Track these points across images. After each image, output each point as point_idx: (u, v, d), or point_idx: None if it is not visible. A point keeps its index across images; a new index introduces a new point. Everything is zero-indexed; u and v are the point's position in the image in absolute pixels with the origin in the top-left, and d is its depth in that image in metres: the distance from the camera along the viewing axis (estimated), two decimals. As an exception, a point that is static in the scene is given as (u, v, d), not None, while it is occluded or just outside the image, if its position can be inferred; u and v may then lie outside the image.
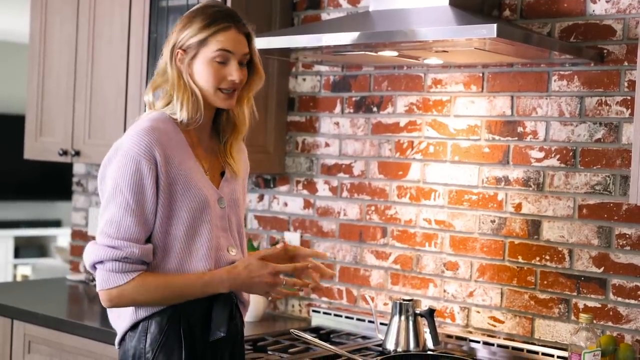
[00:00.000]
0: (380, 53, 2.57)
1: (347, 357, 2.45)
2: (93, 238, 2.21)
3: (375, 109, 3.01)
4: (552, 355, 2.55)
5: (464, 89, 2.79)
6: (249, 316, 3.02)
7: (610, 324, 2.50)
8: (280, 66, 3.18)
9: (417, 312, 2.64)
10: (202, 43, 2.01)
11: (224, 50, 2.00)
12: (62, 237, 8.05)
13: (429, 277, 2.86)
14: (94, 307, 3.06)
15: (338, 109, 3.10)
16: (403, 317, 2.64)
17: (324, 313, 3.04)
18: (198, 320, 2.02)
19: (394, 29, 2.41)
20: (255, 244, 3.20)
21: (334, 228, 3.10)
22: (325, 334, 2.89)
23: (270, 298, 2.12)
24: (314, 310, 3.08)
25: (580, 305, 2.55)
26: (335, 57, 2.84)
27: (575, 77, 2.58)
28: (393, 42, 2.39)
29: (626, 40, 2.49)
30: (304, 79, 3.20)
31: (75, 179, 3.99)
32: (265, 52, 2.73)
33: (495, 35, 2.14)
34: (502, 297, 2.71)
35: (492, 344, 2.65)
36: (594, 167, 2.54)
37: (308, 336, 2.45)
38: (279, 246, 2.19)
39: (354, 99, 3.06)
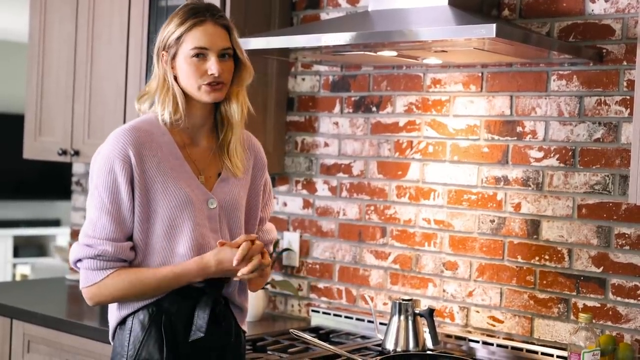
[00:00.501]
0: (379, 53, 2.57)
1: (347, 357, 2.45)
2: None
3: (374, 108, 3.01)
4: (552, 355, 2.55)
5: (463, 88, 2.79)
6: (248, 316, 3.01)
7: (609, 323, 2.50)
8: (279, 66, 3.18)
9: (417, 311, 2.64)
10: (179, 40, 2.02)
11: (199, 47, 2.00)
12: (62, 237, 8.04)
13: (428, 277, 2.87)
14: (93, 307, 3.05)
15: (337, 108, 3.10)
16: (402, 317, 2.64)
17: (324, 313, 3.04)
18: (181, 320, 2.02)
19: (393, 29, 2.40)
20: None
21: (333, 228, 3.10)
22: (324, 334, 2.89)
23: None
24: (313, 310, 3.08)
25: (580, 304, 2.55)
26: (334, 57, 2.84)
27: (574, 76, 2.58)
28: (392, 42, 2.39)
29: (625, 39, 2.49)
30: (303, 79, 3.20)
31: (74, 179, 3.99)
32: (264, 52, 2.73)
33: (494, 35, 2.14)
34: (501, 296, 2.71)
35: (492, 344, 2.66)
36: (593, 167, 2.54)
37: (307, 336, 2.45)
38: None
39: (353, 98, 3.06)
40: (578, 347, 2.30)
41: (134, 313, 2.03)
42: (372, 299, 2.96)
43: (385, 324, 2.71)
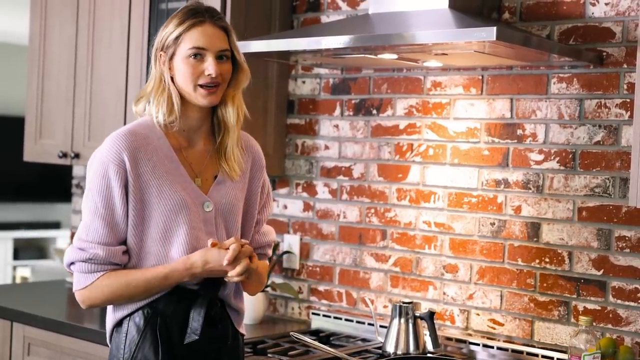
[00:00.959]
0: (379, 56, 2.58)
1: (347, 360, 2.45)
2: None
3: (374, 111, 3.01)
4: (552, 358, 2.55)
5: (464, 91, 2.80)
6: (248, 318, 3.02)
7: (609, 326, 2.50)
8: (279, 69, 3.18)
9: (417, 314, 2.64)
10: (177, 40, 2.02)
11: (197, 47, 2.00)
12: (62, 239, 8.04)
13: (428, 280, 2.87)
14: (93, 309, 3.05)
15: (338, 111, 3.11)
16: (403, 320, 2.64)
17: (324, 316, 3.04)
18: (176, 322, 2.02)
19: (393, 32, 2.41)
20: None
21: (333, 231, 3.10)
22: (325, 337, 2.89)
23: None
24: (313, 313, 3.08)
25: (580, 307, 2.55)
26: (334, 60, 2.84)
27: (575, 79, 2.58)
28: (392, 44, 2.39)
29: (625, 42, 2.49)
30: (304, 82, 3.20)
31: (74, 181, 3.99)
32: (264, 54, 2.74)
33: (494, 38, 2.15)
34: (501, 299, 2.71)
35: (492, 347, 2.65)
36: (594, 170, 2.54)
37: (308, 339, 2.45)
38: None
39: (353, 101, 3.07)
40: (578, 350, 2.30)
41: (129, 315, 2.03)
42: (372, 301, 2.96)
43: (385, 327, 2.71)
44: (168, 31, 2.03)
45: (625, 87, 2.49)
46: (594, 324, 2.49)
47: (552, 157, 2.61)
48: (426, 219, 2.87)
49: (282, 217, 3.24)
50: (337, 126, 3.11)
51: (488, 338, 2.72)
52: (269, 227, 2.27)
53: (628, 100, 2.48)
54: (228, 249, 1.99)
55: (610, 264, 2.50)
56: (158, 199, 2.01)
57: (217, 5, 2.90)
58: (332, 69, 3.09)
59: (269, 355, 2.61)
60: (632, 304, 2.46)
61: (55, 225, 8.32)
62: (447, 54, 2.49)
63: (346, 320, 2.98)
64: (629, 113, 2.47)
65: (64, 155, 3.43)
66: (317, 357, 2.58)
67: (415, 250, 2.89)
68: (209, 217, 2.07)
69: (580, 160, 2.57)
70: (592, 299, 2.53)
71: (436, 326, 2.64)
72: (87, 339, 2.86)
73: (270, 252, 2.28)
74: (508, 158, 2.70)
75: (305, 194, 3.18)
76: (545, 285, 2.62)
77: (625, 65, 2.49)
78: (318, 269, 3.14)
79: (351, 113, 3.07)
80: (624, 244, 2.48)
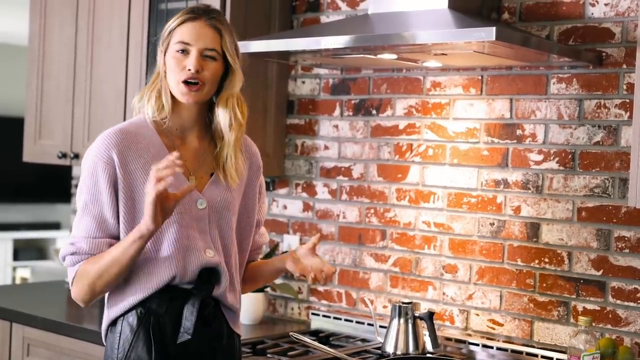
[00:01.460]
0: (379, 56, 2.58)
1: (346, 360, 2.45)
2: None
3: (374, 111, 3.01)
4: (551, 358, 2.55)
5: (463, 91, 2.80)
6: (248, 319, 3.02)
7: (609, 326, 2.50)
8: (279, 69, 3.18)
9: (417, 314, 2.64)
10: (169, 35, 2.03)
11: (182, 42, 2.00)
12: (61, 240, 8.03)
13: (428, 280, 2.87)
14: (93, 310, 3.05)
15: (337, 111, 3.11)
16: (402, 320, 2.63)
17: (324, 316, 3.04)
18: (169, 322, 2.02)
19: (393, 32, 2.41)
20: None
21: (333, 231, 3.10)
22: (324, 337, 2.89)
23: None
24: (313, 313, 3.08)
25: (580, 308, 2.55)
26: (334, 60, 2.84)
27: (574, 80, 2.58)
28: (392, 45, 2.39)
29: (625, 43, 2.49)
30: (303, 82, 3.20)
31: (74, 182, 3.99)
32: (264, 55, 2.74)
33: (494, 38, 2.15)
34: (501, 299, 2.71)
35: (491, 347, 2.65)
36: (593, 170, 2.54)
37: (307, 339, 2.45)
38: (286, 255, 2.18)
39: (353, 101, 3.07)
40: (578, 350, 2.30)
41: (123, 315, 2.04)
42: (372, 302, 2.96)
43: (385, 327, 2.71)
44: (165, 26, 2.06)
45: (624, 87, 2.49)
46: (594, 324, 2.49)
47: (552, 158, 2.61)
48: (426, 219, 2.87)
49: (281, 218, 3.24)
50: (336, 126, 3.11)
51: (487, 338, 2.72)
52: (262, 227, 2.29)
53: (627, 100, 2.48)
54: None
55: (610, 264, 2.50)
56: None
57: (217, 5, 2.91)
58: (331, 69, 3.09)
59: (269, 355, 2.61)
60: (631, 304, 2.46)
61: (55, 226, 8.31)
62: (446, 54, 2.49)
63: (346, 320, 2.98)
64: (628, 113, 2.48)
65: (64, 155, 3.43)
66: (317, 358, 2.58)
67: (414, 251, 2.89)
68: (202, 214, 2.06)
69: (579, 161, 2.57)
70: (592, 299, 2.53)
71: (436, 326, 2.64)
72: (86, 339, 2.85)
73: (264, 250, 2.30)
74: (507, 158, 2.70)
75: (304, 194, 3.18)
76: (544, 285, 2.62)
77: (624, 66, 2.49)
78: (317, 269, 3.14)
79: (351, 113, 3.07)
80: (624, 245, 2.48)
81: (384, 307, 2.95)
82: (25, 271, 7.64)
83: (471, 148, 2.77)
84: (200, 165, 2.10)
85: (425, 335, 2.64)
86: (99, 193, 2.01)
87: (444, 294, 2.83)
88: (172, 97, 2.05)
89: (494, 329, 2.72)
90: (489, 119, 2.74)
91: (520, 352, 2.61)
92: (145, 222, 1.91)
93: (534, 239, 2.64)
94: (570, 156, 2.58)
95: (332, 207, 3.11)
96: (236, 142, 2.08)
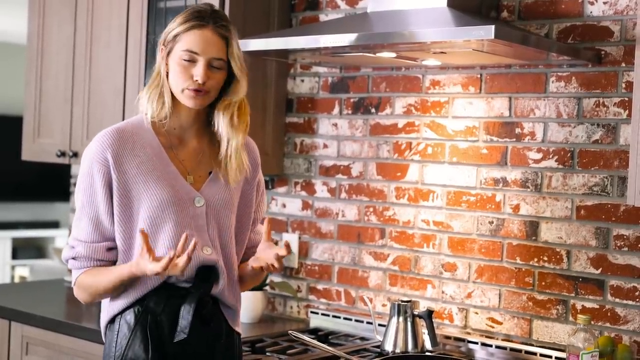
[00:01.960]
0: (378, 54, 2.58)
1: (346, 359, 2.45)
2: None
3: (373, 110, 3.01)
4: (550, 357, 2.55)
5: (462, 90, 2.80)
6: (247, 317, 3.02)
7: (608, 324, 2.50)
8: (278, 67, 3.18)
9: (416, 313, 2.64)
10: (175, 39, 2.02)
11: (189, 51, 1.99)
12: (60, 239, 8.04)
13: (427, 278, 2.87)
14: (92, 308, 3.05)
15: (336, 110, 3.11)
16: (401, 318, 2.64)
17: (323, 314, 3.04)
18: (167, 320, 2.03)
19: (392, 30, 2.41)
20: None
21: (332, 229, 3.10)
22: (323, 335, 2.89)
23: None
24: (312, 312, 3.08)
25: (578, 306, 2.56)
26: (333, 59, 2.84)
27: (573, 78, 2.58)
28: (391, 43, 2.39)
29: (624, 41, 2.49)
30: (302, 80, 3.20)
31: (73, 180, 3.99)
32: (263, 53, 2.74)
33: (493, 37, 2.15)
34: (500, 298, 2.71)
35: (490, 345, 2.66)
36: (592, 168, 2.54)
37: (306, 337, 2.46)
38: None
39: (352, 100, 3.07)
40: (577, 349, 2.30)
41: (121, 313, 2.05)
42: (371, 300, 2.96)
43: (384, 326, 2.71)
44: (171, 27, 2.04)
45: (623, 85, 2.49)
46: (592, 322, 2.49)
47: (551, 156, 2.61)
48: (425, 217, 2.87)
49: (280, 216, 3.24)
50: (335, 125, 3.11)
51: (486, 337, 2.72)
52: (261, 226, 2.27)
53: (626, 99, 2.48)
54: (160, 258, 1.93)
55: (609, 262, 2.50)
56: (144, 196, 2.02)
57: (216, 4, 2.90)
58: (330, 67, 3.09)
59: (268, 354, 2.61)
60: (630, 302, 2.47)
61: (54, 225, 8.31)
62: (445, 53, 2.49)
63: (345, 318, 2.98)
64: (627, 112, 2.48)
65: (62, 154, 3.43)
66: (316, 356, 2.58)
67: (413, 249, 2.90)
68: (200, 213, 2.06)
69: (578, 159, 2.57)
70: (591, 297, 2.53)
71: (435, 325, 2.64)
72: (85, 338, 2.85)
73: None
74: (506, 157, 2.70)
75: (304, 193, 3.18)
76: (543, 283, 2.62)
77: (623, 64, 2.49)
78: (317, 267, 3.14)
79: (350, 112, 3.07)
80: (622, 243, 2.48)
81: (383, 305, 2.95)
82: (24, 270, 7.63)
83: (470, 146, 2.77)
84: (198, 164, 2.10)
85: (424, 333, 2.64)
86: (95, 194, 2.02)
87: (443, 292, 2.83)
88: (172, 97, 2.05)
89: (493, 327, 2.72)
90: (488, 118, 2.74)
91: (519, 351, 2.61)
92: (143, 272, 1.95)
93: (533, 238, 2.64)
94: (569, 154, 2.58)
95: (331, 206, 3.11)
96: (238, 146, 2.09)
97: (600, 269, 2.52)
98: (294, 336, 2.45)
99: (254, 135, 2.28)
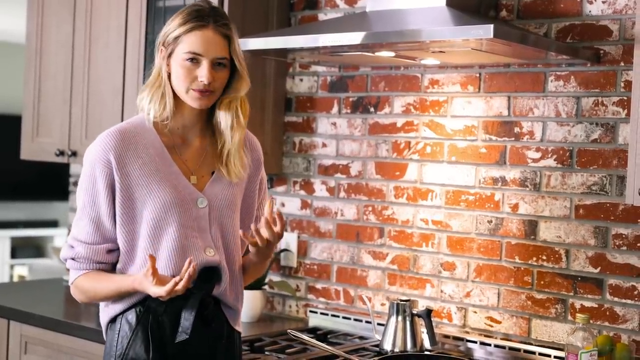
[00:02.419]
0: (377, 53, 2.58)
1: (345, 358, 2.45)
2: None
3: (372, 109, 3.01)
4: (549, 356, 2.55)
5: (461, 89, 2.80)
6: (246, 316, 3.02)
7: (606, 324, 2.50)
8: (277, 66, 3.18)
9: (414, 312, 2.64)
10: (177, 40, 2.01)
11: (193, 52, 1.99)
12: (59, 238, 8.03)
13: (426, 278, 2.87)
14: (91, 308, 3.05)
15: (335, 109, 3.11)
16: (400, 318, 2.64)
17: (321, 313, 3.05)
18: (168, 321, 2.02)
19: (391, 30, 2.41)
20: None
21: (331, 228, 3.10)
22: (322, 335, 2.89)
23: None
24: (311, 311, 3.08)
25: (577, 305, 2.56)
26: (332, 58, 2.84)
27: (572, 77, 2.58)
28: (390, 42, 2.39)
29: (622, 40, 2.49)
30: (301, 80, 3.20)
31: (72, 180, 3.99)
32: (262, 52, 2.73)
33: (491, 36, 2.15)
34: (499, 297, 2.71)
35: (489, 344, 2.66)
36: (591, 168, 2.54)
37: (305, 337, 2.45)
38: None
39: (351, 99, 3.07)
40: (575, 348, 2.30)
41: (123, 313, 2.04)
42: (369, 299, 2.96)
43: (383, 325, 2.71)
44: (171, 28, 2.02)
45: (622, 85, 2.49)
46: (591, 321, 2.49)
47: (549, 155, 2.62)
48: (423, 216, 2.87)
49: (279, 215, 3.23)
50: (334, 124, 3.11)
51: (485, 336, 2.72)
52: None
53: (625, 98, 2.48)
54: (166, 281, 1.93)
55: (607, 261, 2.51)
56: (147, 197, 2.01)
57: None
58: (329, 66, 3.09)
59: (267, 353, 2.61)
60: (629, 301, 2.47)
61: (53, 224, 8.31)
62: (444, 52, 2.49)
63: (344, 318, 2.98)
64: (626, 111, 2.48)
65: (61, 153, 3.43)
66: (315, 355, 2.58)
67: (412, 248, 2.90)
68: (203, 213, 2.06)
69: (577, 158, 2.57)
70: (589, 296, 2.54)
71: (433, 324, 2.64)
72: (84, 337, 2.85)
73: None
74: (505, 156, 2.70)
75: (302, 192, 3.18)
76: (542, 283, 2.62)
77: (622, 64, 2.49)
78: (316, 266, 3.14)
79: (349, 111, 3.07)
80: (621, 242, 2.48)
81: (382, 304, 2.95)
82: (22, 269, 7.63)
83: (469, 146, 2.78)
84: (201, 164, 2.10)
85: (423, 332, 2.64)
86: (97, 195, 2.01)
87: (441, 291, 2.83)
88: (175, 97, 2.04)
89: (491, 326, 2.72)
90: (486, 117, 2.74)
91: (518, 350, 2.61)
92: (144, 291, 1.96)
93: (532, 237, 2.64)
94: (568, 154, 2.58)
95: (330, 205, 3.11)
96: (239, 142, 2.09)
97: (599, 268, 2.52)
98: (292, 335, 2.45)
99: (253, 134, 2.28)
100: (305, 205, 3.18)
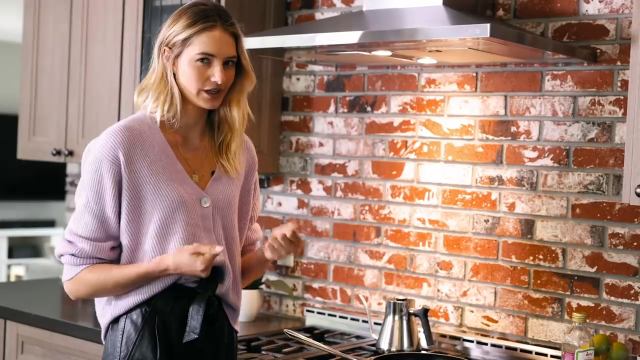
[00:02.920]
0: (374, 53, 2.58)
1: (341, 357, 2.45)
2: None
3: (369, 108, 3.01)
4: (546, 355, 2.55)
5: (458, 88, 2.80)
6: (243, 316, 3.01)
7: (603, 323, 2.50)
8: (274, 66, 3.18)
9: (411, 311, 2.64)
10: (186, 42, 2.00)
11: (205, 53, 1.99)
12: (56, 237, 8.03)
13: (422, 277, 2.87)
14: (87, 307, 3.05)
15: (332, 108, 3.11)
16: (397, 317, 2.64)
17: (318, 313, 3.04)
18: (174, 321, 2.02)
19: (387, 29, 2.41)
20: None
21: (327, 228, 3.10)
22: (319, 334, 2.89)
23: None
24: (307, 310, 3.08)
25: (574, 304, 2.56)
26: (329, 57, 2.84)
27: (569, 76, 2.58)
28: (387, 41, 2.39)
29: (619, 40, 2.49)
30: (298, 79, 3.20)
31: (68, 179, 3.98)
32: (258, 51, 2.73)
33: (488, 35, 2.15)
34: (495, 296, 2.71)
35: (486, 344, 2.66)
36: (587, 167, 2.54)
37: (302, 336, 2.45)
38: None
39: (347, 98, 3.06)
40: (572, 347, 2.30)
41: (126, 313, 2.03)
42: (366, 298, 2.96)
43: (379, 324, 2.71)
44: (176, 30, 2.00)
45: (618, 84, 2.49)
46: (588, 320, 2.49)
47: (546, 154, 2.62)
48: (420, 216, 2.87)
49: (276, 215, 3.23)
50: (331, 123, 3.10)
51: (482, 335, 2.72)
52: (256, 224, 2.29)
53: (622, 97, 2.48)
54: (201, 254, 1.95)
55: (604, 260, 2.51)
56: (155, 196, 2.00)
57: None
58: (326, 66, 3.09)
59: (263, 352, 2.61)
60: (625, 300, 2.47)
61: (50, 224, 8.30)
62: (441, 51, 2.49)
63: (340, 317, 2.98)
64: (622, 110, 2.48)
65: (58, 152, 3.42)
66: (312, 355, 2.58)
67: (409, 247, 2.90)
68: (207, 213, 2.06)
69: (574, 158, 2.57)
70: (586, 295, 2.54)
71: (430, 323, 2.65)
72: (81, 337, 2.85)
73: (259, 245, 2.30)
74: (502, 155, 2.70)
75: (299, 191, 3.18)
76: (539, 282, 2.62)
77: (619, 63, 2.49)
78: (312, 266, 3.14)
79: (345, 110, 3.07)
80: (618, 241, 2.48)
81: (379, 304, 2.95)
82: (19, 269, 7.63)
83: (466, 145, 2.78)
84: (202, 163, 2.10)
85: (419, 332, 2.65)
86: (103, 192, 1.99)
87: (438, 290, 2.83)
88: (181, 97, 2.04)
89: (488, 325, 2.72)
90: (483, 116, 2.74)
91: (515, 349, 2.61)
92: (168, 274, 1.97)
93: (529, 236, 2.65)
94: (564, 153, 2.59)
95: (326, 204, 3.11)
96: (242, 139, 2.13)
97: (596, 267, 2.52)
98: (289, 335, 2.45)
99: (249, 134, 2.28)
100: (302, 204, 3.17)
